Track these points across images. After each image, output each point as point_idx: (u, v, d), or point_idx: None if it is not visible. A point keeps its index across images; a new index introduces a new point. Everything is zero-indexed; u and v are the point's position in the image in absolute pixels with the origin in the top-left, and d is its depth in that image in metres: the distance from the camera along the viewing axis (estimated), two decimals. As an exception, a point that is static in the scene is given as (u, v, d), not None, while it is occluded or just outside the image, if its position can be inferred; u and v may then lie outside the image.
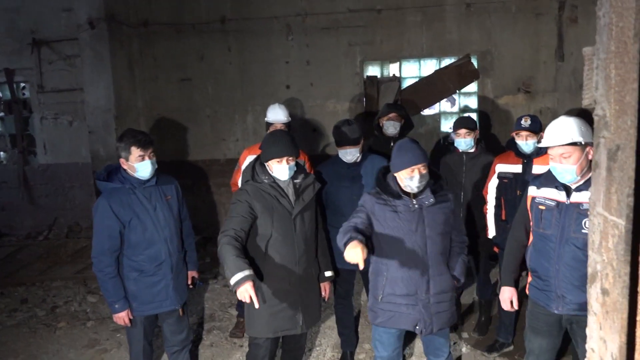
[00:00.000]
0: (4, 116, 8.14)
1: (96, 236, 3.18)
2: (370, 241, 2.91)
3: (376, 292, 3.02)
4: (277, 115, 4.54)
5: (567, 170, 2.61)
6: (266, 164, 3.11)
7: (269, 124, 4.54)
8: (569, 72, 6.79)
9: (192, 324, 4.79)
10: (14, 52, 7.65)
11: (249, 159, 4.31)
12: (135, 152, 3.15)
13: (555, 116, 6.27)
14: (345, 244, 2.58)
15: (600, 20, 1.20)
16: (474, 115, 7.26)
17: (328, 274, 3.40)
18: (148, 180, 3.25)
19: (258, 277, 3.00)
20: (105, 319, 5.03)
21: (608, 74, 1.18)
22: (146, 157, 3.18)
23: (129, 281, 3.24)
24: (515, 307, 3.07)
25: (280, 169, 3.06)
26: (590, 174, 2.59)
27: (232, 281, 2.73)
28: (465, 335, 4.42)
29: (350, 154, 3.75)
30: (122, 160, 3.20)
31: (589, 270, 1.38)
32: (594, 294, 1.36)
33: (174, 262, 3.34)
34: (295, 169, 3.14)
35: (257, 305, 2.77)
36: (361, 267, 2.52)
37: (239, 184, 4.12)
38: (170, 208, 3.36)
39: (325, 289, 3.42)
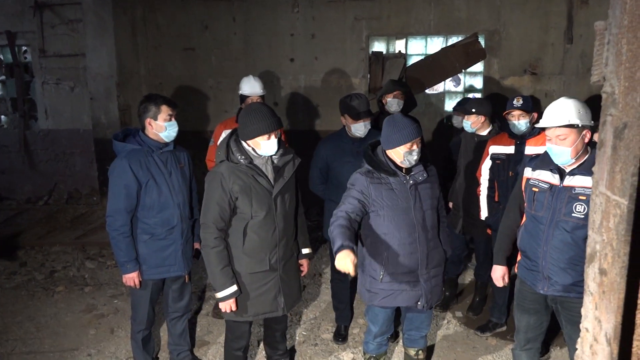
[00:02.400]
0: (6, 80, 8.07)
1: (113, 195, 3.19)
2: (359, 225, 2.90)
3: (374, 272, 2.99)
4: (254, 88, 4.32)
5: (562, 151, 2.63)
6: (249, 141, 2.92)
7: (244, 97, 4.33)
8: (577, 55, 6.70)
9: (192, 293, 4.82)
10: (16, 15, 7.54)
11: (224, 133, 4.16)
12: (166, 110, 3.23)
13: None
14: (336, 252, 2.54)
15: (615, -6, 1.17)
16: (478, 96, 7.19)
17: (306, 251, 3.36)
18: (166, 145, 3.30)
19: (237, 260, 3.01)
20: (103, 285, 5.08)
21: (619, 50, 1.15)
22: (174, 117, 3.27)
23: (139, 244, 3.28)
24: (506, 283, 3.13)
25: (269, 145, 2.90)
26: (585, 157, 2.65)
27: (218, 296, 2.96)
28: (459, 314, 4.45)
29: (365, 127, 3.71)
30: (149, 120, 3.22)
31: (588, 250, 1.37)
32: (591, 274, 1.35)
33: (184, 228, 3.38)
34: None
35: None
36: (352, 274, 2.50)
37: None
38: (184, 175, 3.41)
39: (304, 265, 3.38)
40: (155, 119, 3.22)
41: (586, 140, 2.63)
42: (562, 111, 2.62)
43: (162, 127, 3.23)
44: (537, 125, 2.82)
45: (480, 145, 4.10)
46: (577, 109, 2.61)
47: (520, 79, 6.90)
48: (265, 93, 4.46)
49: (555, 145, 2.64)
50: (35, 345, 4.05)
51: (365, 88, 7.04)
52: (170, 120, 3.25)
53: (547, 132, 2.69)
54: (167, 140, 3.29)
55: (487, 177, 3.96)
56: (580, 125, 2.59)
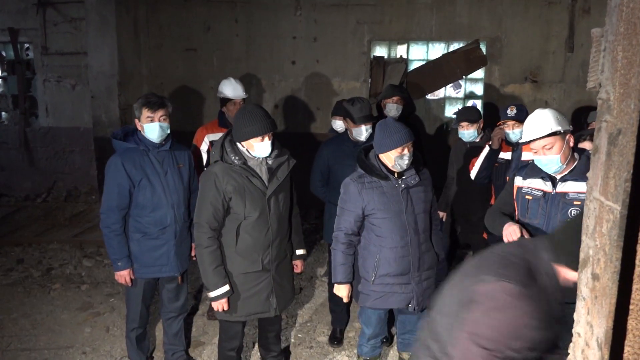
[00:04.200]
0: (7, 76, 8.08)
1: (106, 193, 3.22)
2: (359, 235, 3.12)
3: (367, 274, 3.03)
4: (237, 90, 4.26)
5: (551, 160, 2.64)
6: (243, 143, 2.94)
7: (225, 100, 4.24)
8: (577, 63, 6.72)
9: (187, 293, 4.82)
10: (19, 12, 7.56)
11: (207, 138, 4.19)
12: (145, 112, 3.20)
13: (560, 108, 6.22)
14: (335, 283, 3.12)
15: (611, 1, 1.18)
16: (478, 103, 7.21)
17: (300, 252, 3.37)
18: (162, 145, 3.29)
19: (230, 260, 3.03)
20: (100, 284, 5.07)
21: (615, 57, 1.16)
22: (155, 120, 3.21)
23: (132, 242, 3.29)
24: (526, 235, 2.69)
25: (262, 147, 2.93)
26: (574, 163, 2.68)
27: (210, 295, 2.99)
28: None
29: (367, 131, 3.72)
30: (136, 120, 3.27)
31: (581, 255, 1.37)
32: (584, 279, 1.36)
33: (178, 228, 3.37)
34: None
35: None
36: (346, 301, 3.17)
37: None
38: (181, 176, 3.39)
39: (298, 266, 3.39)
40: (140, 119, 3.24)
41: (571, 144, 2.67)
42: (542, 121, 2.65)
43: (143, 129, 3.24)
44: (520, 141, 2.82)
45: (471, 151, 4.12)
46: (554, 117, 2.65)
47: (521, 86, 6.91)
48: (247, 96, 4.39)
49: (543, 156, 2.66)
50: (30, 342, 4.04)
51: (366, 92, 7.05)
52: (150, 122, 3.20)
53: (532, 146, 2.69)
54: (154, 141, 3.26)
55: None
56: (562, 131, 2.62)
